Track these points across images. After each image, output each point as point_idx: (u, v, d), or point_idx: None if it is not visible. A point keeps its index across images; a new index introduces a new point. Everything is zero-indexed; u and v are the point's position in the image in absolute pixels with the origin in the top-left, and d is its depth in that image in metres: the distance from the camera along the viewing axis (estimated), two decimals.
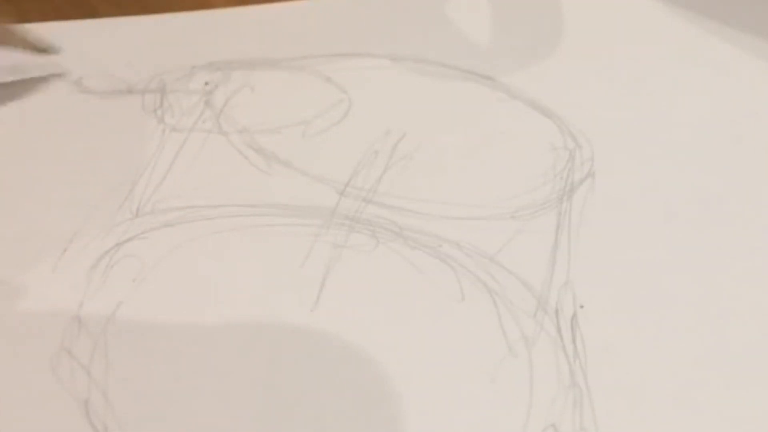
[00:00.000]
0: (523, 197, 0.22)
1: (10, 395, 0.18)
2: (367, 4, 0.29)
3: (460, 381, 0.18)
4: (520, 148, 0.24)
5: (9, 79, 0.25)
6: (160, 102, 0.25)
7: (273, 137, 0.24)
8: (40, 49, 0.25)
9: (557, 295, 0.20)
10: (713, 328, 0.19)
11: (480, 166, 0.23)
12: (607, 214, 0.22)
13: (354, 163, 0.23)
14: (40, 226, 0.21)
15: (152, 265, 0.20)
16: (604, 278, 0.20)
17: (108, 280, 0.20)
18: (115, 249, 0.20)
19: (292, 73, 0.26)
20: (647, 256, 0.20)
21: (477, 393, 0.18)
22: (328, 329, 0.19)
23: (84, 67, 0.26)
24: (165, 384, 0.18)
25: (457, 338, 0.19)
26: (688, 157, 0.23)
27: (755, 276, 0.20)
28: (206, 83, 0.25)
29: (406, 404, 0.18)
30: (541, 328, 0.19)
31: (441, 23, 0.28)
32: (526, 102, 0.25)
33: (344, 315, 0.19)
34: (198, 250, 0.21)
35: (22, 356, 0.18)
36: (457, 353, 0.18)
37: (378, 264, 0.20)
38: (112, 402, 0.17)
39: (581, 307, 0.19)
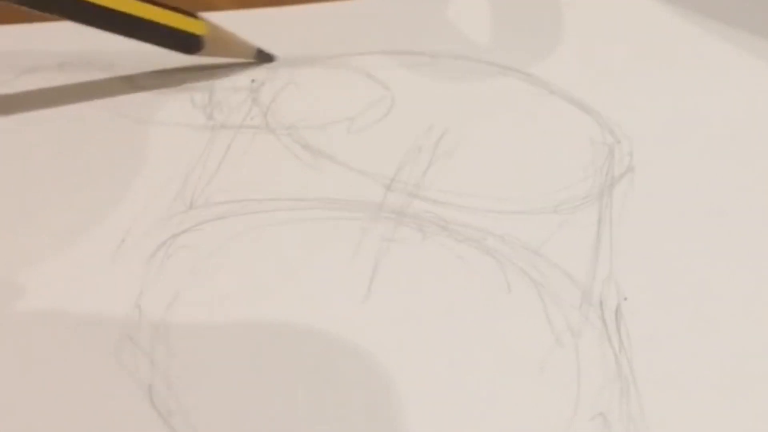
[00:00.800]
0: (564, 191, 0.23)
1: (77, 381, 0.18)
2: (404, 3, 0.29)
3: (510, 370, 0.18)
4: (560, 142, 0.24)
5: None
6: (209, 99, 0.25)
7: (319, 133, 0.24)
8: (262, 57, 0.26)
9: (601, 287, 0.20)
10: (757, 318, 0.19)
11: (521, 160, 0.24)
12: (648, 208, 0.22)
13: (399, 158, 0.23)
14: (97, 218, 0.22)
15: (207, 256, 0.21)
16: (646, 271, 0.20)
17: (166, 270, 0.20)
18: (172, 240, 0.21)
19: (335, 70, 0.27)
20: (689, 248, 0.21)
21: (527, 382, 0.18)
22: (379, 320, 0.19)
23: (134, 65, 0.27)
24: (223, 370, 0.19)
25: (506, 329, 0.19)
26: (728, 152, 0.23)
27: None
28: (252, 80, 0.26)
29: (459, 393, 0.18)
30: (587, 319, 0.19)
31: (478, 20, 0.29)
32: (565, 97, 0.25)
33: (395, 306, 0.20)
34: (251, 242, 0.21)
35: (86, 343, 0.19)
36: (505, 343, 0.19)
37: (426, 257, 0.21)
38: (174, 387, 0.18)
39: (625, 299, 0.20)
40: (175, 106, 0.25)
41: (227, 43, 0.26)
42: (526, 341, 0.19)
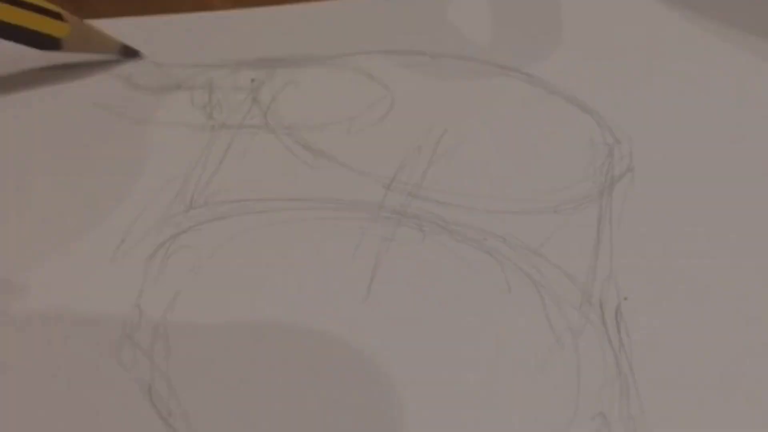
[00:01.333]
0: (564, 192, 0.23)
1: (77, 380, 0.18)
2: (404, 3, 0.29)
3: (511, 370, 0.19)
4: (560, 143, 0.24)
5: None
6: (209, 98, 0.25)
7: (319, 133, 0.24)
8: (127, 52, 0.27)
9: (601, 287, 0.20)
10: (756, 318, 0.19)
11: (521, 160, 0.24)
12: (648, 209, 0.22)
13: (399, 158, 0.23)
14: (97, 218, 0.22)
15: (207, 256, 0.21)
16: (646, 271, 0.20)
17: (165, 270, 0.21)
18: (171, 240, 0.21)
19: (335, 70, 0.27)
20: (689, 248, 0.21)
21: (527, 382, 0.18)
22: (379, 319, 0.20)
23: (133, 63, 0.27)
24: (223, 370, 0.19)
25: (506, 329, 0.19)
26: (727, 152, 0.23)
27: None
28: (252, 80, 0.26)
29: (459, 392, 0.18)
30: (587, 319, 0.19)
31: (478, 20, 0.29)
32: (564, 97, 0.25)
33: (395, 306, 0.20)
34: (251, 242, 0.21)
35: (86, 343, 0.19)
36: (506, 343, 0.19)
37: (426, 257, 0.21)
38: (174, 387, 0.18)
39: (625, 299, 0.20)
40: (175, 106, 0.25)
41: (91, 41, 0.26)
42: (526, 341, 0.19)
